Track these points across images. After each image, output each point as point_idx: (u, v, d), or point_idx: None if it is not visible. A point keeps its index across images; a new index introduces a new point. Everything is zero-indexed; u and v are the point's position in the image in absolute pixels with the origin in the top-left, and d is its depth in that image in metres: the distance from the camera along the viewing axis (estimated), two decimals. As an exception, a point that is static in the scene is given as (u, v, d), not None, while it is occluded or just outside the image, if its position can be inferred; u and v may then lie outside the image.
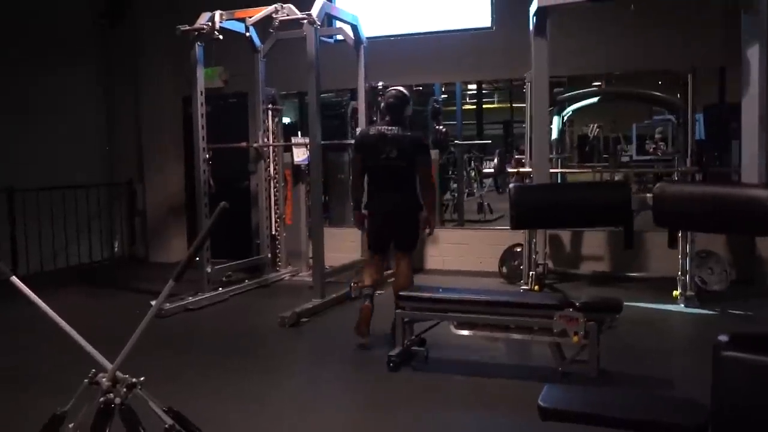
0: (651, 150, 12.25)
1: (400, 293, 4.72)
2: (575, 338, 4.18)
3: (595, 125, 14.81)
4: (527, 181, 6.73)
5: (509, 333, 4.47)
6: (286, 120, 9.42)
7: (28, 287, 2.32)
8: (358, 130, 7.50)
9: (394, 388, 4.39)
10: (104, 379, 2.37)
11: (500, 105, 17.45)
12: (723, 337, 1.98)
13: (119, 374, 2.40)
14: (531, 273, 6.85)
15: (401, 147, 5.21)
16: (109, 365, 2.46)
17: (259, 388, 4.45)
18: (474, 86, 13.94)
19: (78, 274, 8.62)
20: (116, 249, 9.73)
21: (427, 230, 5.48)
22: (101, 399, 2.33)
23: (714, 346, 1.99)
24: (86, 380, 2.37)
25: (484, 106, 15.27)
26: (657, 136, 12.43)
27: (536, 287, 6.79)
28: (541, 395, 2.16)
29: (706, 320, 5.91)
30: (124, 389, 2.35)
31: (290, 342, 5.65)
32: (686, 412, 2.02)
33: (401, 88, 5.56)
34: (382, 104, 5.53)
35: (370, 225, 5.57)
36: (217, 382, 4.56)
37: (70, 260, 8.82)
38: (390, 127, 5.29)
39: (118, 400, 2.31)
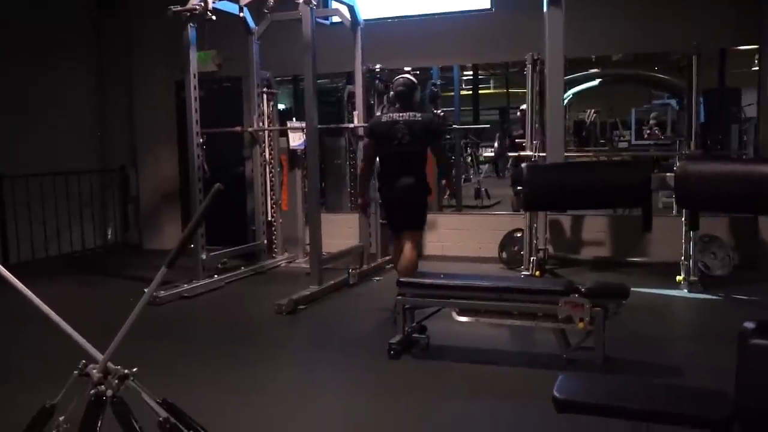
0: (646, 135, 12.18)
1: (401, 279, 4.60)
2: (581, 324, 4.08)
3: (592, 110, 14.70)
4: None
5: (513, 319, 4.37)
6: (280, 106, 9.27)
7: (19, 275, 2.21)
8: (355, 113, 7.38)
9: (395, 377, 4.29)
10: (95, 371, 2.27)
11: (496, 91, 17.33)
12: (749, 325, 1.86)
13: (110, 365, 2.30)
14: (532, 258, 6.74)
15: (413, 132, 5.35)
16: (99, 356, 2.36)
17: (255, 377, 4.34)
18: (470, 72, 13.82)
19: (71, 262, 8.50)
20: (109, 236, 9.60)
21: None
22: (92, 391, 2.24)
23: (739, 334, 1.87)
24: (76, 372, 2.28)
25: (480, 92, 15.16)
26: (651, 121, 12.33)
27: (537, 273, 6.70)
28: (555, 385, 2.04)
29: (711, 306, 5.82)
30: (116, 381, 2.26)
31: (287, 330, 5.54)
32: (710, 403, 1.91)
33: (409, 76, 5.69)
34: (392, 92, 5.67)
35: (385, 210, 5.85)
36: (212, 371, 4.45)
37: (62, 248, 8.69)
38: (401, 114, 5.41)
39: (109, 392, 2.22)
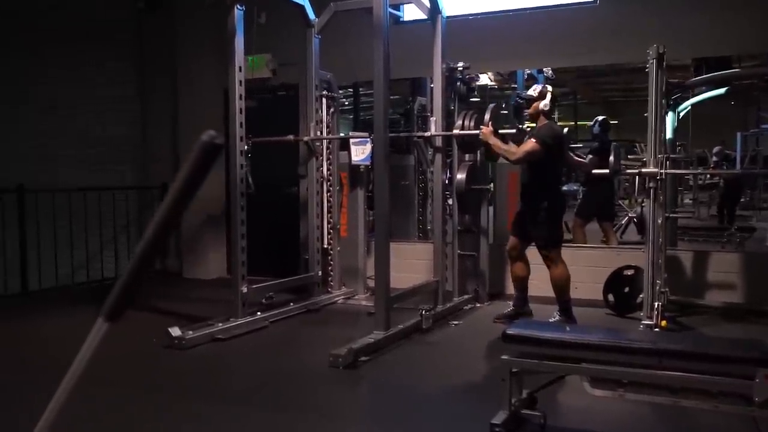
0: (711, 167, 11.01)
1: (508, 332, 3.26)
2: (794, 413, 2.67)
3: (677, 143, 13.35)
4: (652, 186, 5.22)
5: (675, 398, 2.97)
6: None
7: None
8: (432, 120, 6.12)
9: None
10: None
11: (560, 123, 16.22)
12: None
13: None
14: (657, 304, 5.28)
15: None
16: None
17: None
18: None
19: (99, 291, 7.42)
20: (146, 263, 8.54)
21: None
22: None
23: None
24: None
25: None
26: (714, 158, 11.11)
27: (664, 323, 5.25)
28: None
29: None
30: None
31: (345, 391, 4.22)
32: None
33: None
34: (549, 100, 5.57)
35: (558, 219, 5.74)
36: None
37: (91, 275, 7.65)
38: None
39: None
